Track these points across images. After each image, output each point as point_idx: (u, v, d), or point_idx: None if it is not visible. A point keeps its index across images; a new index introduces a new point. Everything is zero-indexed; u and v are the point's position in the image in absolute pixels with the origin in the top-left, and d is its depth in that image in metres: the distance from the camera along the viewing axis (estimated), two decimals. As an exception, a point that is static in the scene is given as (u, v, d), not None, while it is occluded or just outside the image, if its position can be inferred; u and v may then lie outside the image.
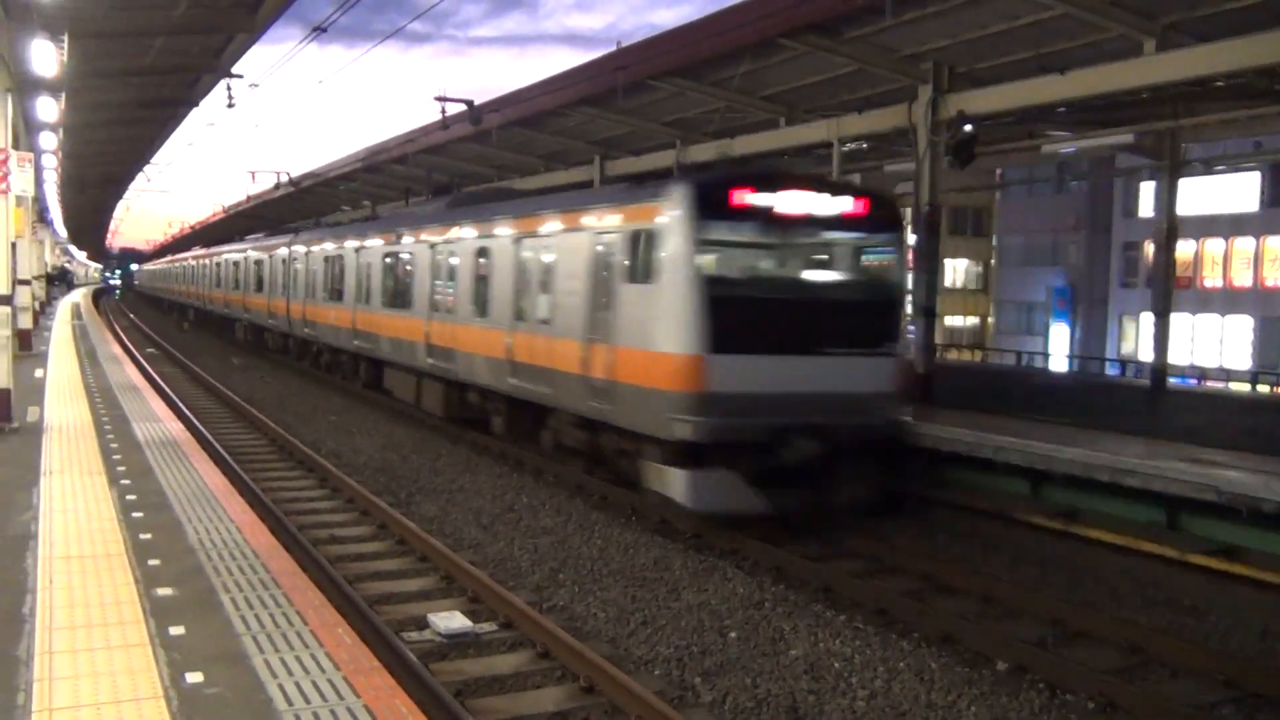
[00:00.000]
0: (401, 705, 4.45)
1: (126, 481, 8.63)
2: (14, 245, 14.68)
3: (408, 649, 6.81)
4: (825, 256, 11.06)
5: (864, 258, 11.25)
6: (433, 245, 16.38)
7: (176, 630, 5.16)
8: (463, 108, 21.39)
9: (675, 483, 10.00)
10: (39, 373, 16.56)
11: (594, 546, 10.09)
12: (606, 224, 11.31)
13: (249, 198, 48.34)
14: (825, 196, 10.53)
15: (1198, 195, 31.64)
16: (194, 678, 4.59)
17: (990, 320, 47.21)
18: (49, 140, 19.07)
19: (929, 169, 14.55)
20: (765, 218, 10.22)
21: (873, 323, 10.69)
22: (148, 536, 6.89)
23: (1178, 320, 25.43)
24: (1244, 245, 36.66)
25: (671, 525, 10.97)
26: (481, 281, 14.48)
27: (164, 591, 5.76)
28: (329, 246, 22.67)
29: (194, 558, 6.43)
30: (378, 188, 35.25)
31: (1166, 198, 17.40)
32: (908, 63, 14.53)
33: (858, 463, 10.22)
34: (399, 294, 17.95)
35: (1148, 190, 38.56)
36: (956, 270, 47.51)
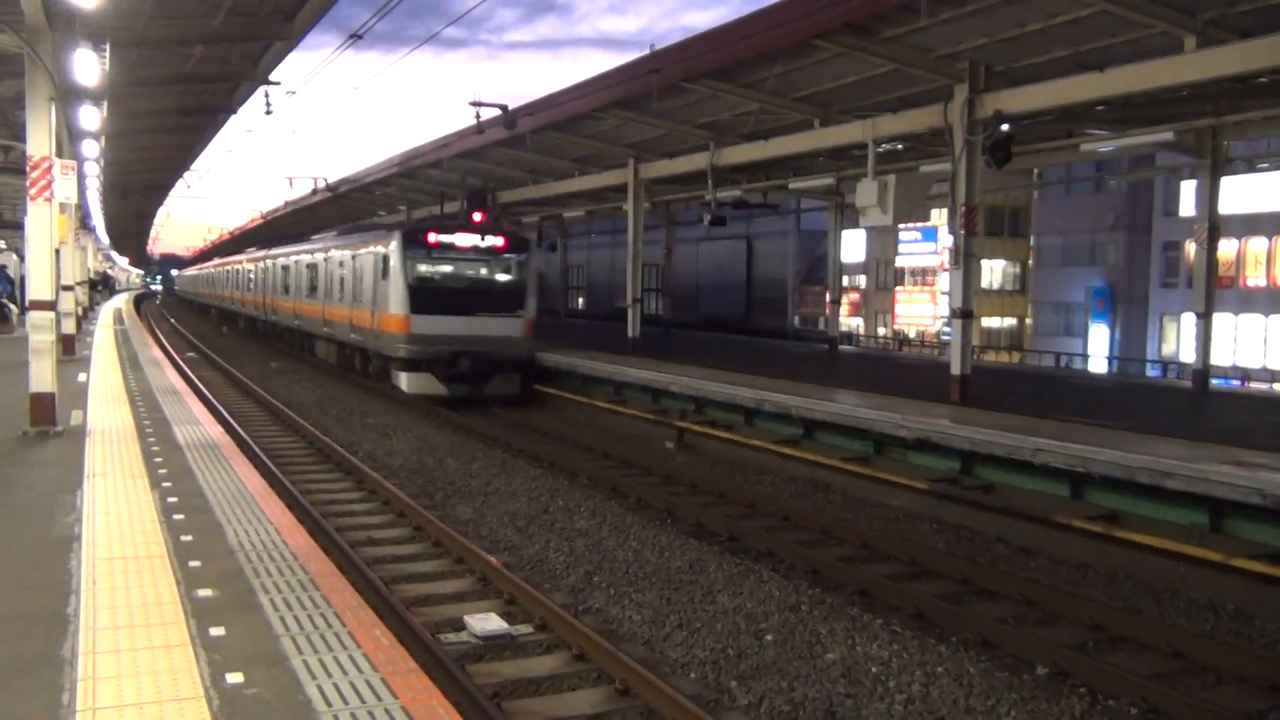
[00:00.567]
0: (439, 706, 4.46)
1: (168, 484, 8.73)
2: (58, 252, 14.92)
3: (445, 651, 6.85)
4: (481, 266, 20.37)
5: (502, 266, 20.54)
6: (325, 258, 25.82)
7: (217, 631, 5.21)
8: (497, 112, 21.49)
9: (401, 379, 19.75)
10: (82, 377, 16.79)
11: (629, 549, 10.09)
12: (373, 249, 21.02)
13: (286, 203, 48.78)
14: (480, 235, 20.17)
15: (1240, 193, 31.14)
16: (234, 678, 4.63)
17: (1028, 321, 46.72)
18: (91, 148, 19.32)
19: (965, 169, 14.43)
20: (445, 246, 19.92)
21: (507, 299, 20.16)
22: (188, 538, 6.96)
23: (1220, 320, 25.08)
24: (1288, 244, 36.04)
25: (706, 528, 10.97)
26: (339, 280, 23.99)
27: (204, 593, 5.81)
28: (279, 258, 32.65)
29: (234, 559, 6.49)
30: (413, 193, 35.49)
31: (1208, 196, 17.15)
32: (944, 62, 14.41)
33: (505, 373, 19.86)
34: (311, 289, 27.51)
35: (1188, 189, 38.04)
36: (993, 271, 47.04)
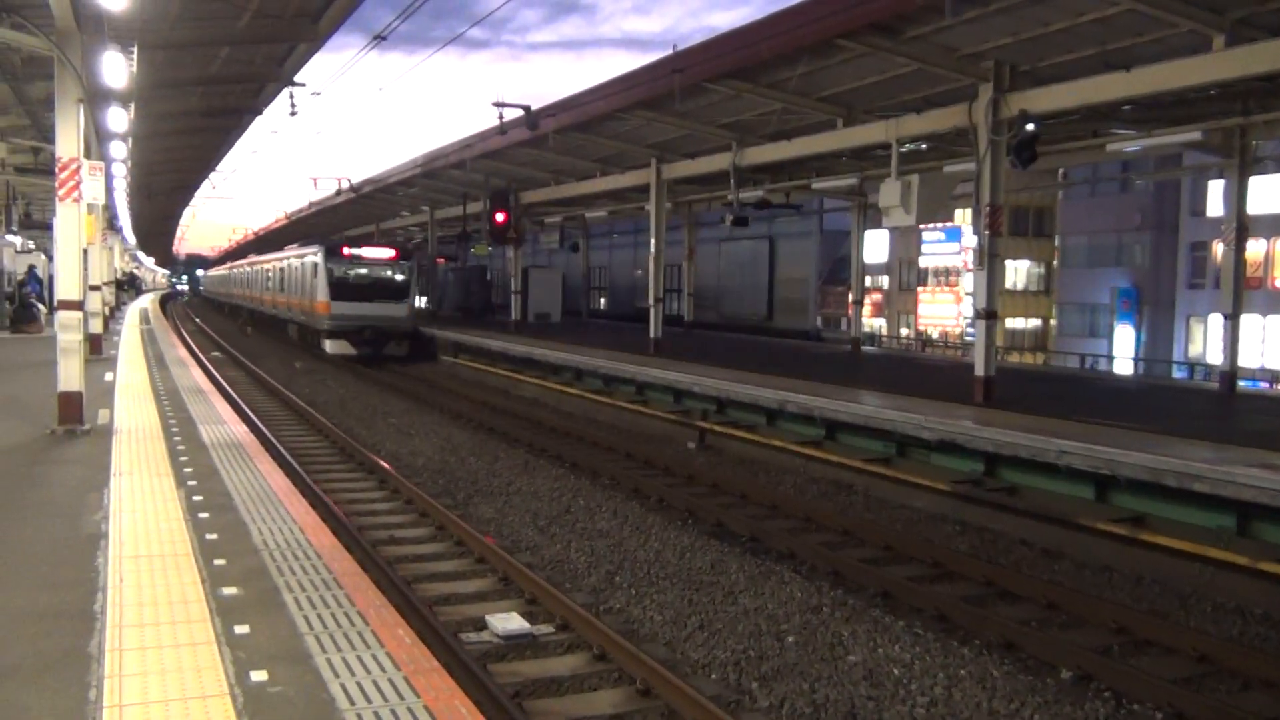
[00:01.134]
0: (461, 706, 4.48)
1: (193, 483, 8.80)
2: (85, 252, 15.05)
3: (466, 650, 6.88)
4: (378, 270, 28.98)
5: (392, 270, 29.18)
6: (286, 264, 35.25)
7: (241, 629, 5.25)
8: (520, 113, 21.56)
9: (326, 344, 28.21)
10: (109, 376, 16.94)
11: (650, 549, 10.10)
12: (310, 258, 30.00)
13: (311, 204, 49.08)
14: (379, 249, 30.57)
15: (1269, 193, 30.82)
16: (258, 676, 4.66)
17: (1053, 322, 46.41)
18: (119, 149, 19.50)
19: (990, 169, 14.36)
20: (354, 257, 29.08)
21: (396, 292, 28.85)
22: (213, 537, 7.01)
23: (1248, 321, 24.82)
24: (1318, 244, 35.63)
25: (728, 528, 10.96)
26: (294, 280, 33.15)
27: (229, 591, 5.86)
28: (263, 264, 42.73)
29: (258, 558, 6.54)
30: (436, 193, 35.64)
31: (1237, 196, 16.98)
32: (968, 62, 14.34)
33: (396, 341, 28.52)
34: (280, 286, 36.36)
35: (1216, 189, 37.64)
36: (1018, 271, 46.75)
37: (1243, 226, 16.94)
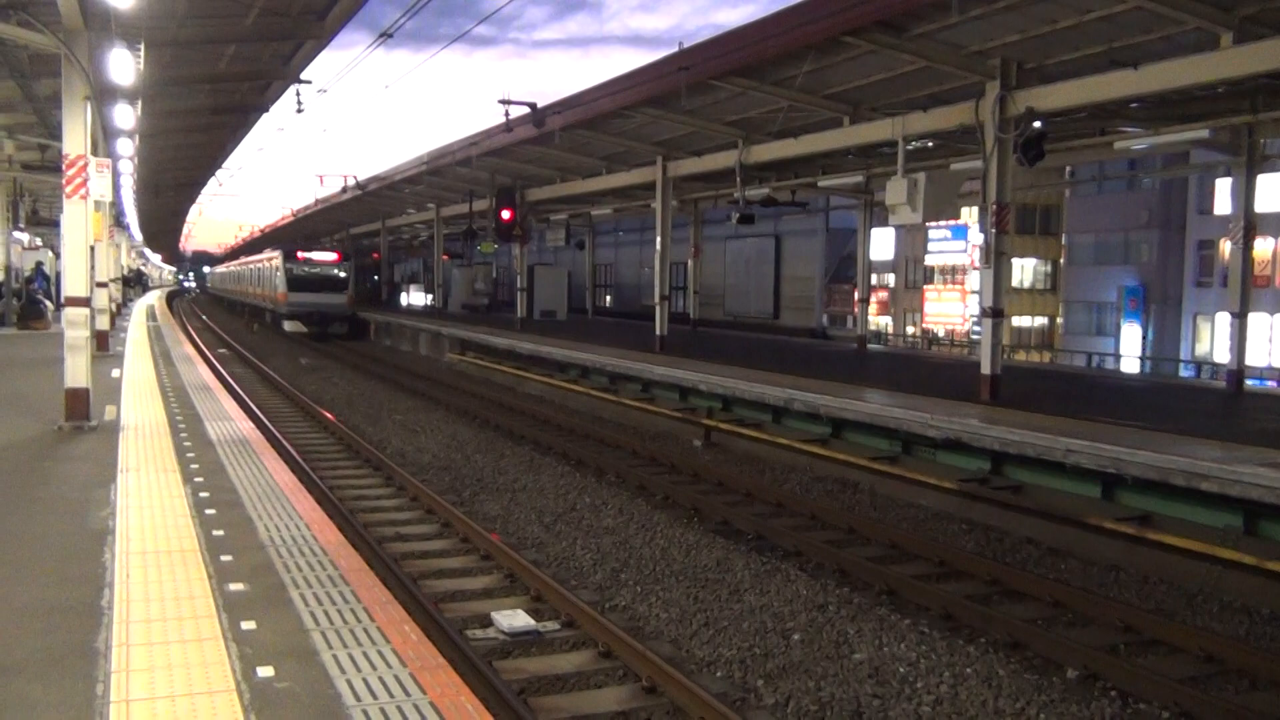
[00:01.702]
0: (467, 703, 4.49)
1: (200, 479, 8.82)
2: (92, 249, 15.10)
3: (472, 647, 6.89)
4: (323, 269, 38.43)
5: (335, 268, 38.63)
6: (261, 264, 44.43)
7: (248, 625, 5.27)
8: (526, 110, 21.54)
9: (285, 325, 38.64)
10: (116, 373, 16.99)
11: (656, 547, 10.11)
12: (273, 260, 40.57)
13: (317, 201, 49.09)
14: (325, 252, 40.51)
15: (1277, 191, 30.75)
16: (265, 672, 4.68)
17: (1059, 321, 46.33)
18: (126, 146, 19.54)
19: (996, 167, 14.32)
20: (306, 259, 38.88)
21: (337, 285, 38.37)
22: (220, 533, 7.03)
23: (1256, 320, 24.75)
24: (1326, 243, 35.53)
25: (733, 526, 10.96)
26: (265, 276, 42.46)
27: (236, 587, 5.88)
28: (250, 264, 52.88)
29: (265, 554, 6.56)
30: (442, 190, 35.62)
31: (1244, 194, 16.92)
32: (975, 59, 14.31)
33: (339, 322, 38.26)
34: (257, 281, 45.79)
35: (1223, 187, 37.58)
36: (1024, 269, 46.68)
37: (1250, 224, 16.89)
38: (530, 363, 24.39)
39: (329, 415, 17.52)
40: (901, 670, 7.07)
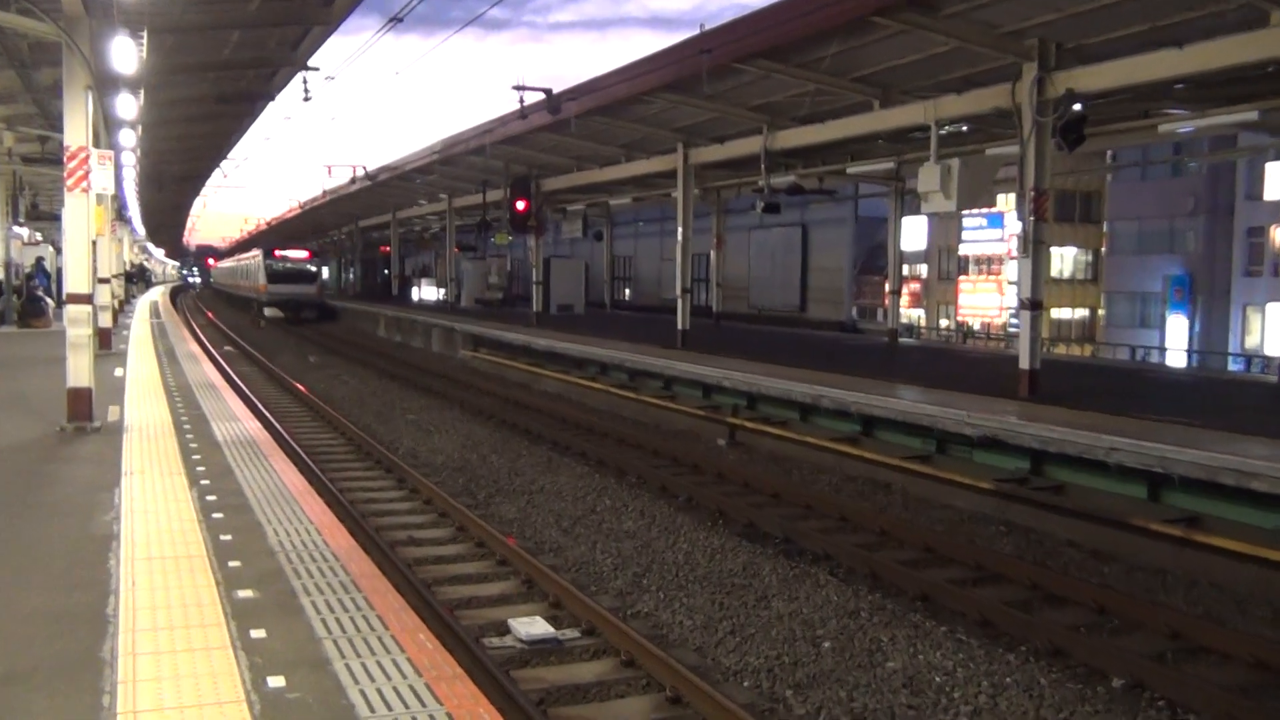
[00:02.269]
0: (484, 713, 4.50)
1: (206, 482, 8.88)
2: (94, 244, 15.21)
3: (489, 656, 6.91)
4: (298, 265, 48.77)
5: (307, 264, 49.30)
6: (250, 260, 55.38)
7: (258, 633, 5.29)
8: (541, 96, 21.55)
9: (265, 311, 47.10)
10: (119, 371, 17.12)
11: (679, 551, 10.10)
12: (257, 257, 51.40)
13: (325, 193, 49.32)
14: (298, 250, 50.97)
15: (1331, 175, 30.47)
16: (276, 682, 4.70)
17: (1101, 312, 46.03)
18: (128, 138, 19.68)
19: (1034, 152, 14.22)
20: (283, 256, 48.98)
21: (309, 278, 48.62)
22: (228, 538, 7.08)
23: (1309, 311, 24.45)
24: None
25: (760, 529, 10.95)
26: (251, 271, 52.81)
27: (245, 594, 5.91)
28: (242, 260, 61.82)
29: (274, 560, 6.59)
30: (454, 180, 35.71)
31: (1296, 179, 16.75)
32: (1011, 39, 14.21)
33: (310, 310, 47.35)
34: (247, 275, 55.32)
35: (1274, 171, 37.24)
36: (1064, 259, 46.38)
37: (1303, 210, 16.71)
38: (547, 359, 24.43)
39: (338, 415, 17.60)
40: (937, 680, 7.04)
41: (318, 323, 46.22)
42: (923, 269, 50.40)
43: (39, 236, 32.46)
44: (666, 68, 18.17)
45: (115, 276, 29.69)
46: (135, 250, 61.66)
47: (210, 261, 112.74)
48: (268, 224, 78.49)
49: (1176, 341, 40.35)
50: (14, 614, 5.57)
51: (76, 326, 11.52)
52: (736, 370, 17.57)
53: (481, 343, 29.04)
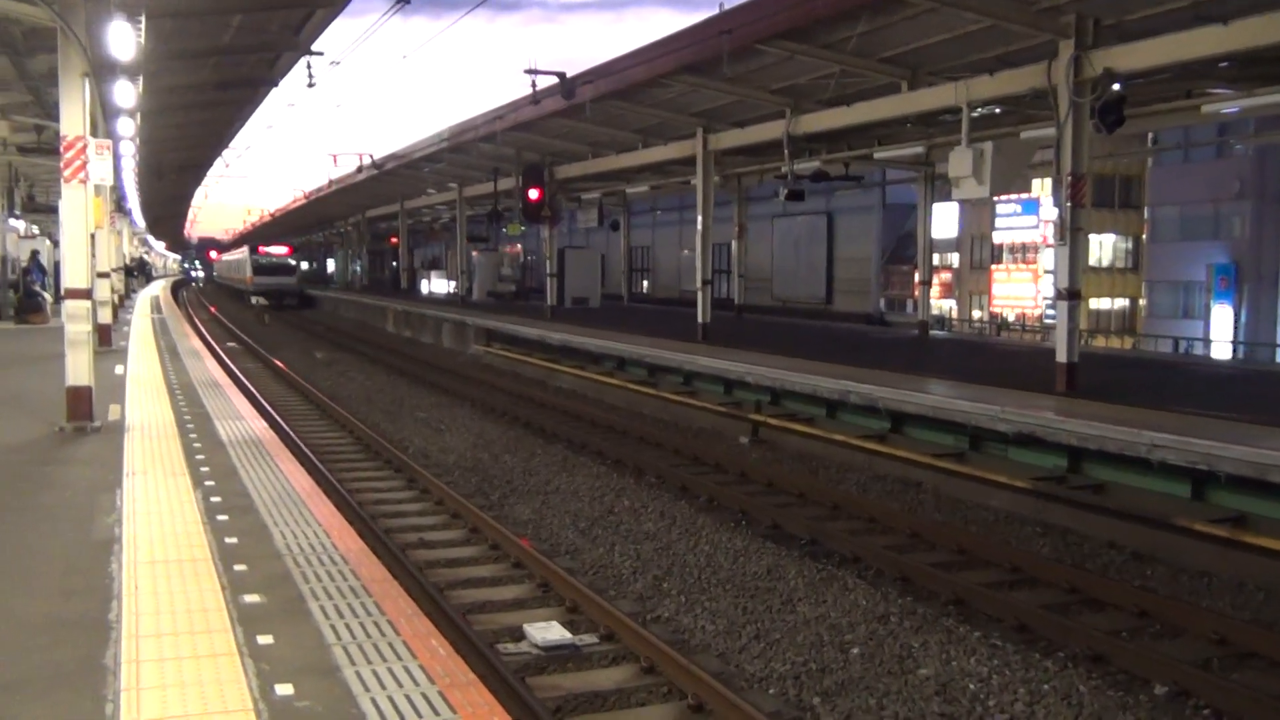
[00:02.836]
0: (499, 722, 4.53)
1: (210, 483, 8.93)
2: (93, 237, 15.31)
3: (504, 662, 6.93)
4: (279, 259, 59.77)
5: (288, 259, 60.50)
6: (240, 256, 67.95)
7: (265, 639, 5.33)
8: (554, 80, 21.57)
9: (252, 300, 57.18)
10: (119, 369, 17.23)
11: (701, 553, 10.11)
12: (245, 252, 64.11)
13: (330, 182, 49.50)
14: (279, 247, 61.92)
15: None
16: (284, 690, 4.73)
17: (1142, 302, 45.74)
18: (127, 126, 19.76)
19: (1071, 134, 14.14)
20: (265, 253, 59.94)
21: (288, 271, 59.46)
22: (233, 540, 7.12)
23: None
24: None
25: (785, 530, 10.94)
26: (241, 265, 65.05)
27: (251, 598, 5.95)
28: (236, 255, 74.55)
29: (281, 563, 6.63)
30: (464, 168, 35.78)
31: (1348, 160, 16.61)
32: (1046, 16, 14.14)
33: (292, 299, 57.33)
34: (238, 269, 67.52)
35: (1326, 152, 36.86)
36: (1103, 246, 46.09)
37: (1356, 194, 16.58)
38: (562, 354, 24.47)
39: (346, 413, 17.67)
40: (972, 687, 7.03)
41: (299, 309, 56.32)
42: (954, 258, 50.18)
43: (35, 230, 32.67)
44: (685, 49, 18.16)
45: (115, 270, 29.90)
46: (135, 243, 62.07)
47: (213, 254, 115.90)
48: (271, 215, 79.21)
49: (1222, 333, 40.03)
50: (14, 620, 5.62)
51: (75, 322, 11.60)
52: (760, 365, 17.56)
53: (494, 337, 29.11)
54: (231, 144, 34.45)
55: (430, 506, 11.72)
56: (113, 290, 26.39)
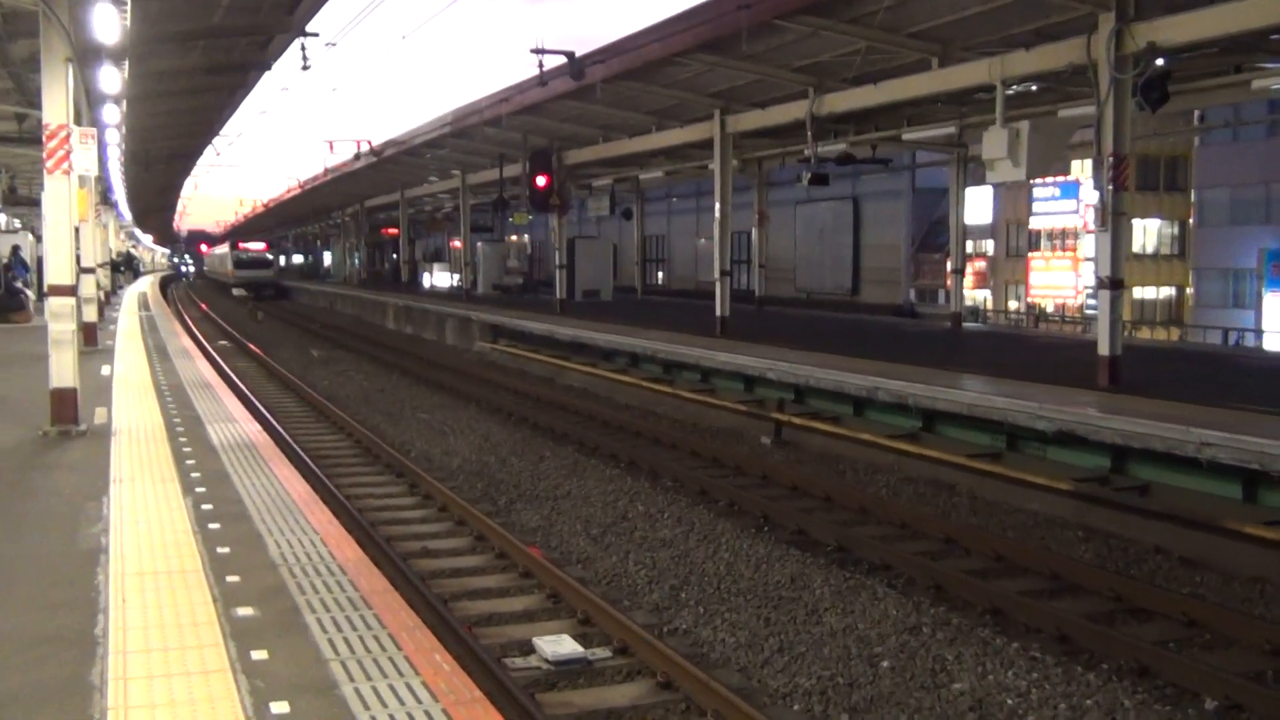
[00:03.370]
0: (507, 742, 4.52)
1: (201, 489, 8.97)
2: (77, 230, 15.38)
3: (512, 678, 6.94)
4: (258, 254, 71.22)
5: (264, 254, 72.15)
6: (224, 250, 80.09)
7: (259, 655, 5.34)
8: (562, 60, 21.55)
9: (233, 291, 68.59)
10: (106, 370, 17.31)
11: (720, 561, 10.11)
12: (226, 249, 78.12)
13: (326, 170, 49.62)
14: (257, 243, 74.79)
15: None
16: (279, 708, 4.74)
17: (1189, 291, 45.54)
18: (112, 114, 19.85)
19: (1113, 113, 14.07)
20: (244, 249, 71.29)
21: (265, 265, 70.93)
22: (226, 550, 7.14)
23: None
24: None
25: (810, 536, 10.92)
26: (223, 260, 78.79)
27: (244, 611, 5.96)
28: (221, 249, 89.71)
29: (276, 574, 6.65)
30: (468, 155, 35.81)
31: None
32: (1086, -14, 14.07)
33: (269, 290, 66.85)
34: (222, 263, 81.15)
35: (1386, 130, 36.62)
36: (1146, 232, 45.92)
37: None
38: (572, 350, 24.48)
39: (344, 415, 17.72)
40: (1009, 702, 7.01)
41: (276, 299, 63.54)
42: (989, 245, 50.05)
43: (17, 223, 32.88)
44: (702, 26, 18.12)
45: (100, 266, 30.03)
46: (122, 237, 62.36)
47: (203, 248, 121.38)
48: (265, 206, 79.70)
49: (1275, 323, 39.82)
50: (-5, 635, 5.65)
51: (59, 321, 11.64)
52: (782, 360, 17.53)
53: (500, 333, 29.14)
54: (222, 131, 34.59)
55: (433, 513, 11.74)
56: (98, 287, 26.50)
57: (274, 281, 69.44)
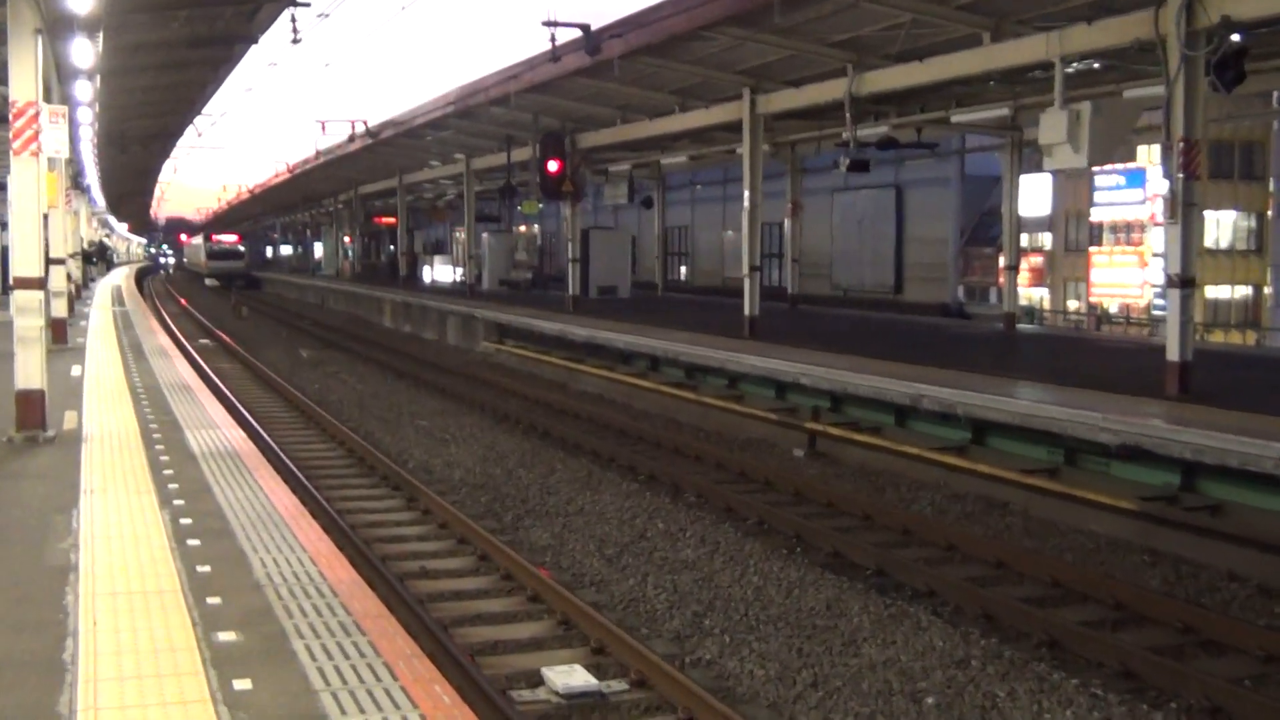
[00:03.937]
0: (513, 782, 4.52)
1: (180, 502, 8.99)
2: (46, 217, 15.46)
3: (519, 712, 6.93)
4: (231, 246, 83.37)
5: (236, 246, 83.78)
6: (199, 242, 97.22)
7: (242, 684, 5.35)
8: (577, 34, 21.56)
9: (206, 281, 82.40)
10: (76, 370, 17.40)
11: (748, 586, 10.09)
12: (201, 241, 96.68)
13: (318, 153, 49.75)
14: (229, 235, 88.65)
15: None
16: (263, 743, 4.75)
17: (1267, 290, 45.28)
18: (85, 90, 19.95)
19: (1183, 93, 14.00)
20: (216, 241, 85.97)
21: (238, 256, 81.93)
22: (206, 569, 7.16)
23: None
24: None
25: (846, 558, 10.89)
26: (198, 251, 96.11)
27: (226, 636, 5.97)
28: (193, 241, 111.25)
29: (261, 595, 6.66)
30: (473, 137, 35.86)
31: None
32: (1155, -46, 14.01)
33: (240, 280, 75.18)
34: (196, 254, 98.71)
35: None
36: (1220, 225, 45.67)
37: None
38: (586, 352, 24.50)
39: (336, 421, 17.77)
40: (1067, 744, 6.97)
41: (247, 289, 69.97)
42: (1046, 239, 49.87)
43: (-19, 210, 33.02)
44: (730, -4, 18.11)
45: (71, 256, 30.19)
46: (94, 225, 62.69)
47: (183, 238, 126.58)
48: (250, 192, 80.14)
49: (1363, 326, 39.59)
50: (-45, 660, 5.67)
51: (25, 317, 11.70)
52: (817, 365, 17.50)
53: (507, 333, 29.19)
54: (205, 110, 34.73)
55: (433, 530, 11.77)
56: (69, 279, 26.64)
57: (245, 272, 79.25)
